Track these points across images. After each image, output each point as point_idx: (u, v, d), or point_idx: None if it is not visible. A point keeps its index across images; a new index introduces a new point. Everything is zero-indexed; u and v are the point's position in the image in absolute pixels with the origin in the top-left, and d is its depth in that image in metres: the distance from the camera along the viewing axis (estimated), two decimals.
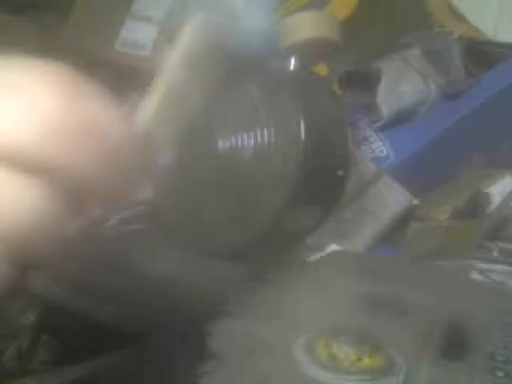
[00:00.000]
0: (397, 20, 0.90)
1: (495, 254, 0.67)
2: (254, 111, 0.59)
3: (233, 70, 0.62)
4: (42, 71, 0.24)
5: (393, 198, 0.73)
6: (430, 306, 0.44)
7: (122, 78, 0.79)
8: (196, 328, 0.36)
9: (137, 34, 0.78)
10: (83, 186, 0.24)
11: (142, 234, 0.65)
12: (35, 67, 0.24)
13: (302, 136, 0.56)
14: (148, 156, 0.28)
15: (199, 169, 0.63)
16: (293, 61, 0.63)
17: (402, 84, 0.80)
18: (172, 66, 0.34)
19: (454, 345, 0.39)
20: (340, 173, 0.59)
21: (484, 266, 0.64)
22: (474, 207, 0.75)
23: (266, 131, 0.57)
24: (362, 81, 0.81)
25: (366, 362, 0.35)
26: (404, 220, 0.74)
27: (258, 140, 0.58)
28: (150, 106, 0.32)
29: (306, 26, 0.70)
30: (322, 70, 0.78)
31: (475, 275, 0.62)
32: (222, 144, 0.60)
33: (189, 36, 0.33)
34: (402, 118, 0.81)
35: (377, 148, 0.79)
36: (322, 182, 0.59)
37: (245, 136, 0.59)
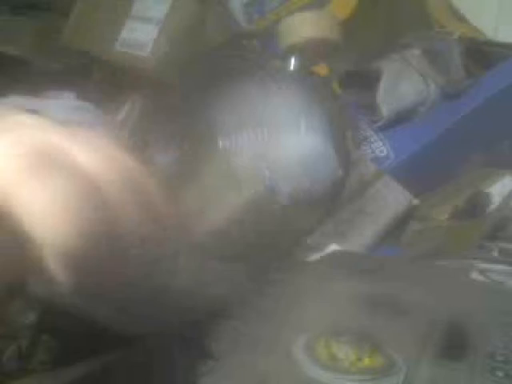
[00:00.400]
0: (397, 20, 0.90)
1: (495, 254, 0.67)
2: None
3: (233, 70, 0.62)
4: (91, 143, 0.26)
5: (393, 198, 0.73)
6: (430, 306, 0.44)
7: (121, 78, 0.79)
8: (196, 328, 0.36)
9: (137, 34, 0.78)
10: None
11: None
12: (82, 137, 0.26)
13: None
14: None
15: (199, 168, 0.63)
16: (293, 61, 0.63)
17: (402, 84, 0.80)
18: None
19: (454, 345, 0.38)
20: (340, 173, 0.59)
21: (484, 265, 0.64)
22: (474, 207, 0.75)
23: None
24: (362, 81, 0.81)
25: (366, 362, 0.35)
26: (404, 220, 0.74)
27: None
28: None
29: (305, 26, 0.70)
30: (321, 69, 0.78)
31: (475, 275, 0.62)
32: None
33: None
34: (402, 118, 0.80)
35: (377, 148, 0.79)
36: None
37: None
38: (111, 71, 0.80)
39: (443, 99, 0.82)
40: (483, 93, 0.82)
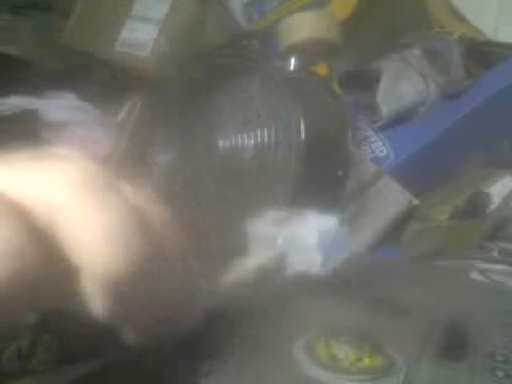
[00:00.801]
0: (397, 20, 0.90)
1: (495, 254, 0.67)
2: (254, 111, 0.59)
3: (233, 70, 0.62)
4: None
5: (393, 198, 0.73)
6: (429, 306, 0.44)
7: (121, 78, 0.79)
8: (196, 328, 0.36)
9: (137, 34, 0.78)
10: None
11: None
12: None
13: (302, 136, 0.56)
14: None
15: (199, 169, 0.63)
16: (293, 61, 0.63)
17: (402, 84, 0.80)
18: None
19: (454, 345, 0.39)
20: (340, 173, 0.59)
21: (484, 265, 0.64)
22: (474, 207, 0.75)
23: (265, 131, 0.57)
24: (362, 81, 0.81)
25: (366, 362, 0.35)
26: (404, 220, 0.74)
27: (258, 140, 0.58)
28: None
29: (305, 26, 0.70)
30: (321, 69, 0.78)
31: (475, 275, 0.62)
32: (223, 144, 0.60)
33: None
34: (401, 118, 0.80)
35: (377, 148, 0.79)
36: (322, 182, 0.59)
37: (245, 136, 0.59)
38: (111, 71, 0.80)
39: (443, 99, 0.82)
40: (483, 93, 0.82)
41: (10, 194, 0.23)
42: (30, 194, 0.23)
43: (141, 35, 0.78)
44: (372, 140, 0.79)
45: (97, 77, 0.82)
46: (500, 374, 0.35)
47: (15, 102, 0.69)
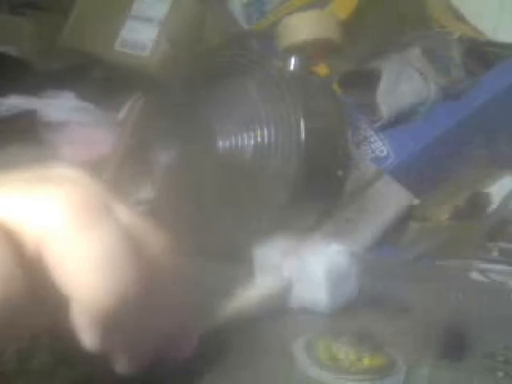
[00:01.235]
0: (397, 20, 0.90)
1: (495, 254, 0.67)
2: (254, 111, 0.59)
3: (233, 70, 0.62)
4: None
5: (393, 198, 0.73)
6: (429, 306, 0.44)
7: (121, 78, 0.79)
8: (196, 328, 0.36)
9: (137, 34, 0.78)
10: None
11: None
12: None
13: (302, 136, 0.56)
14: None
15: (200, 169, 0.63)
16: (293, 61, 0.63)
17: (402, 84, 0.80)
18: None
19: (454, 345, 0.38)
20: (340, 173, 0.59)
21: (484, 265, 0.64)
22: (474, 207, 0.75)
23: (266, 131, 0.57)
24: (362, 81, 0.81)
25: (366, 362, 0.35)
26: (404, 220, 0.74)
27: (258, 140, 0.58)
28: None
29: (305, 26, 0.70)
30: (321, 69, 0.78)
31: (475, 275, 0.62)
32: (223, 144, 0.60)
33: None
34: (401, 118, 0.80)
35: (377, 148, 0.79)
36: (322, 182, 0.59)
37: (245, 136, 0.59)
38: (111, 71, 0.80)
39: (443, 99, 0.82)
40: (483, 93, 0.82)
41: None
42: (20, 221, 0.23)
43: (141, 35, 0.78)
44: (372, 140, 0.79)
45: (96, 77, 0.82)
46: (500, 374, 0.35)
47: (15, 102, 0.69)
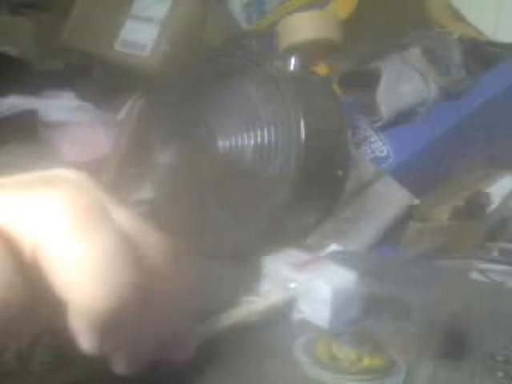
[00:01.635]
0: (397, 20, 0.90)
1: (495, 254, 0.67)
2: (254, 111, 0.59)
3: (233, 70, 0.62)
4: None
5: (393, 198, 0.73)
6: (430, 306, 0.44)
7: (121, 78, 0.79)
8: (197, 328, 0.36)
9: (137, 34, 0.78)
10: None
11: None
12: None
13: (302, 136, 0.56)
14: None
15: (200, 169, 0.63)
16: (293, 61, 0.63)
17: (402, 84, 0.80)
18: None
19: (454, 345, 0.38)
20: (340, 173, 0.59)
21: (484, 265, 0.64)
22: (474, 207, 0.75)
23: (265, 131, 0.57)
24: (362, 81, 0.81)
25: (366, 362, 0.35)
26: (404, 220, 0.74)
27: (258, 140, 0.58)
28: None
29: (306, 26, 0.70)
30: (321, 69, 0.78)
31: (475, 275, 0.62)
32: (223, 144, 0.60)
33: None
34: (401, 118, 0.80)
35: (377, 148, 0.79)
36: (322, 182, 0.59)
37: (245, 136, 0.59)
38: (111, 71, 0.80)
39: (443, 99, 0.82)
40: (483, 93, 0.82)
41: None
42: (18, 225, 0.23)
43: (141, 35, 0.78)
44: (372, 140, 0.79)
45: (96, 77, 0.82)
46: (500, 374, 0.35)
47: (15, 102, 0.69)
